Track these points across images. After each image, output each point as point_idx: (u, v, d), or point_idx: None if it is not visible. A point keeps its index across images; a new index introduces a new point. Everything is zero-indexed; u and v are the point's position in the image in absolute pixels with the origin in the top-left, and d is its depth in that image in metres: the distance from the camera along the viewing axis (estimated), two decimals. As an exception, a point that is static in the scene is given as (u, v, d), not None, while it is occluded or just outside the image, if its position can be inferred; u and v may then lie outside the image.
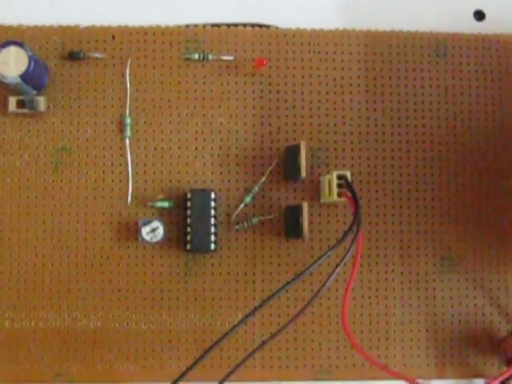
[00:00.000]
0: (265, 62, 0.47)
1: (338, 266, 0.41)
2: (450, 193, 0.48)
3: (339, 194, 0.46)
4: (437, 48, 0.49)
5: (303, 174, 0.45)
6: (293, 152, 0.46)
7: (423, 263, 0.48)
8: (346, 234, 0.43)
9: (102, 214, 0.47)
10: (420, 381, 0.44)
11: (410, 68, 0.49)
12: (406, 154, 0.49)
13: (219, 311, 0.47)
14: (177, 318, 0.47)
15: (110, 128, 0.48)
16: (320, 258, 0.42)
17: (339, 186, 0.46)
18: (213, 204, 0.46)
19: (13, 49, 0.45)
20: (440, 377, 0.47)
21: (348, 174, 0.45)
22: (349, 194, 0.45)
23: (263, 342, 0.42)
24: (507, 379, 0.46)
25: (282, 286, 0.42)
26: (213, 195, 0.46)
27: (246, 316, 0.41)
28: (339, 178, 0.46)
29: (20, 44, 0.44)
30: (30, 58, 0.44)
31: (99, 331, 0.47)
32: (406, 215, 0.48)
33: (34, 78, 0.45)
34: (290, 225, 0.47)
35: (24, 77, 0.45)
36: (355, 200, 0.44)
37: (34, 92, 0.47)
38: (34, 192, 0.48)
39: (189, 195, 0.46)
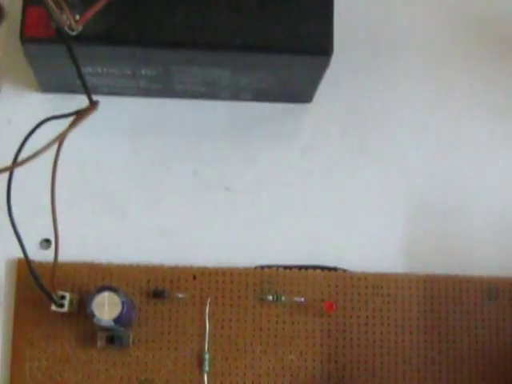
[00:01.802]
0: (334, 307, 0.52)
1: None
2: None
3: (402, 434, 0.49)
4: (489, 291, 0.54)
5: (370, 416, 0.49)
6: (359, 392, 0.51)
7: None
8: None
9: None
10: None
11: (464, 310, 0.54)
12: (461, 390, 0.53)
13: None
14: None
15: (189, 362, 0.52)
16: None
17: (402, 425, 0.49)
18: None
19: (108, 294, 0.49)
20: None
21: (410, 416, 0.49)
22: None
23: None
24: None
25: None
26: (284, 429, 0.50)
27: None
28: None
29: (115, 290, 0.49)
30: (123, 303, 0.49)
31: None
32: None
33: (124, 320, 0.50)
34: None
35: (116, 320, 0.49)
36: None
37: (122, 329, 0.51)
38: (117, 420, 0.51)
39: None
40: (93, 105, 0.42)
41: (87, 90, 0.41)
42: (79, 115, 0.42)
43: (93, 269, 0.53)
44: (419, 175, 0.56)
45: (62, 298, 0.51)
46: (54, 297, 0.50)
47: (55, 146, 0.43)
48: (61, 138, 0.42)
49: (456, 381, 0.53)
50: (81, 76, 0.41)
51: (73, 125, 0.42)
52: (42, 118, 0.43)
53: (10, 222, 0.45)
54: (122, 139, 0.56)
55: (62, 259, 0.49)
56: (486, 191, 0.56)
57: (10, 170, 0.41)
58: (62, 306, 0.51)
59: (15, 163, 0.41)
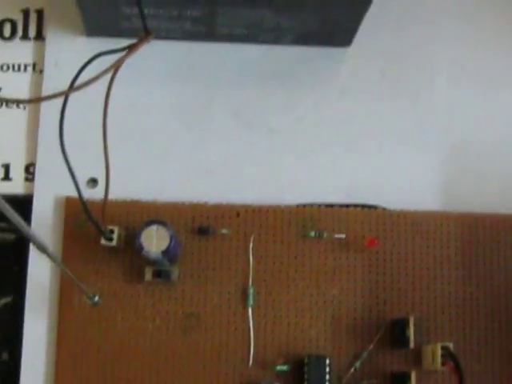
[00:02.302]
0: (376, 242, 0.53)
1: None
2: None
3: (443, 363, 0.51)
4: (525, 225, 0.55)
5: (412, 345, 0.51)
6: (400, 324, 0.52)
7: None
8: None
9: (225, 374, 0.53)
10: None
11: (501, 247, 0.55)
12: (498, 325, 0.54)
13: None
14: None
15: (234, 297, 0.53)
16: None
17: (442, 355, 0.51)
18: (327, 369, 0.52)
19: (156, 227, 0.50)
20: None
21: (451, 345, 0.51)
22: (452, 364, 0.50)
23: None
24: None
25: None
26: (328, 361, 0.52)
27: None
28: (442, 348, 0.51)
29: (163, 223, 0.50)
30: (171, 237, 0.50)
31: None
32: (500, 382, 0.53)
33: (172, 254, 0.51)
34: (397, 390, 0.52)
35: (164, 253, 0.50)
36: (459, 370, 0.50)
37: (169, 263, 0.53)
38: (164, 353, 0.53)
39: (306, 360, 0.52)
40: (147, 34, 0.43)
41: (143, 17, 0.42)
42: (134, 45, 0.43)
43: (139, 206, 0.54)
44: (457, 114, 0.58)
45: (111, 232, 0.52)
46: (104, 231, 0.51)
47: (106, 82, 0.44)
48: (116, 65, 0.43)
49: (494, 314, 0.54)
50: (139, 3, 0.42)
51: (129, 53, 0.43)
52: (88, 59, 0.44)
53: (63, 157, 0.46)
54: (166, 82, 0.57)
55: (109, 197, 0.50)
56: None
57: (66, 94, 0.42)
58: (110, 239, 0.52)
59: (71, 88, 0.42)
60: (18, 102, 0.43)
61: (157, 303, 0.53)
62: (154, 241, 0.50)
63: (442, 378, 0.53)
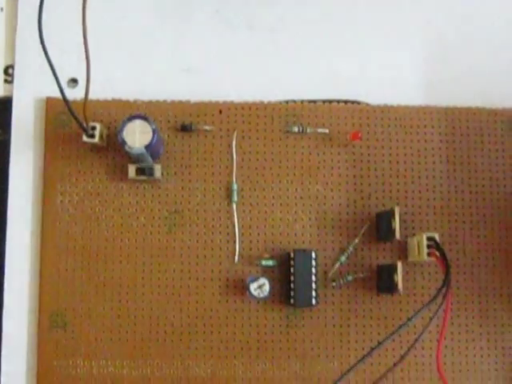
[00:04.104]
0: (360, 136, 0.53)
1: (430, 320, 0.46)
2: (526, 253, 0.53)
3: (429, 254, 0.51)
4: (509, 123, 0.55)
5: (398, 236, 0.51)
6: (385, 216, 0.52)
7: (500, 317, 0.53)
8: (438, 292, 0.48)
9: (211, 271, 0.53)
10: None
11: (485, 141, 0.55)
12: (483, 217, 0.54)
13: (317, 360, 0.52)
14: (279, 366, 0.52)
15: (218, 193, 0.53)
16: (417, 313, 0.47)
17: (428, 246, 0.51)
18: (313, 263, 0.51)
19: (139, 122, 0.50)
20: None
21: (436, 236, 0.51)
22: (437, 254, 0.50)
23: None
24: None
25: (387, 336, 0.47)
26: (313, 255, 0.51)
27: (359, 361, 0.46)
28: (428, 239, 0.51)
29: (145, 118, 0.50)
30: (154, 131, 0.50)
31: (209, 378, 0.52)
32: (483, 273, 0.53)
33: (154, 149, 0.51)
34: (383, 282, 0.52)
35: (147, 148, 0.50)
36: (445, 260, 0.50)
37: (152, 160, 0.52)
38: (149, 251, 0.53)
39: (292, 255, 0.51)
40: None
41: None
42: None
43: (120, 105, 0.54)
44: (436, 8, 0.57)
45: (93, 128, 0.51)
46: (86, 127, 0.50)
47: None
48: None
49: (478, 208, 0.54)
50: None
51: None
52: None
53: (44, 54, 0.46)
54: (145, -21, 0.56)
55: (90, 97, 0.49)
56: (505, 24, 0.57)
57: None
58: (93, 136, 0.51)
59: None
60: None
61: (141, 201, 0.53)
62: (137, 135, 0.50)
63: (428, 270, 0.53)
